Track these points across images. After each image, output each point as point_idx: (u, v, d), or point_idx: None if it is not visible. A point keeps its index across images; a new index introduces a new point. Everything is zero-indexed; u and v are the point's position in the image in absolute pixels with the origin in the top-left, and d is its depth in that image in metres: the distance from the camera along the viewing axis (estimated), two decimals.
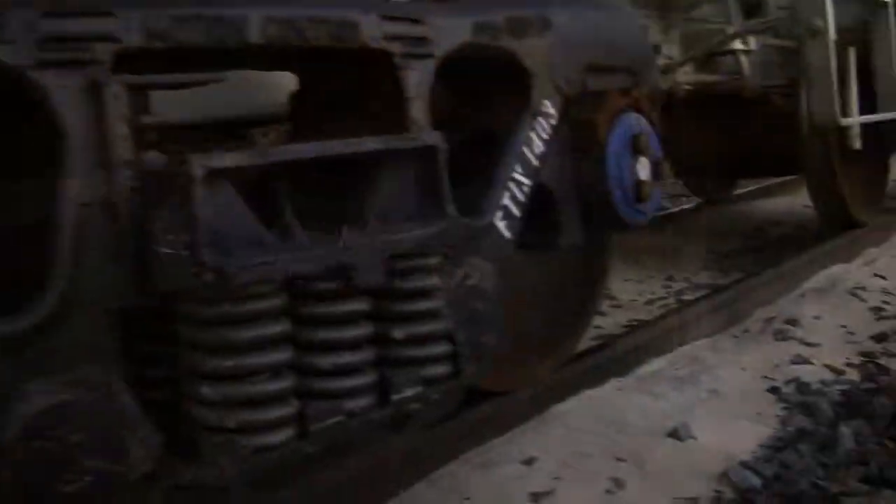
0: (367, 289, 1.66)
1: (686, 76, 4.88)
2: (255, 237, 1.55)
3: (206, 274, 1.44)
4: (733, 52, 5.15)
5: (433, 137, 1.83)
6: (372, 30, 1.84)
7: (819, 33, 2.75)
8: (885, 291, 4.48)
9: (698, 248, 6.21)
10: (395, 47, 1.89)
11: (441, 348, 1.83)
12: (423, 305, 1.78)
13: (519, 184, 2.14)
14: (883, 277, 4.74)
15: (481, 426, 2.77)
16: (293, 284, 1.59)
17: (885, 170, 6.25)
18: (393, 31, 1.88)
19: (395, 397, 1.72)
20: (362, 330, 1.68)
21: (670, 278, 5.42)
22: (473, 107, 2.29)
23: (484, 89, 2.29)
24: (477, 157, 2.18)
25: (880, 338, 3.75)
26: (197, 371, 1.53)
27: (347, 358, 1.65)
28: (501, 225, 2.08)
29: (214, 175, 1.49)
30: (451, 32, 2.02)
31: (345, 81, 1.99)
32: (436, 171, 1.81)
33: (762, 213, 7.90)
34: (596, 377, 3.22)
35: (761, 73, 5.42)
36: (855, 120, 2.90)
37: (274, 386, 1.55)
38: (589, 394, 3.12)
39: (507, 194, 2.11)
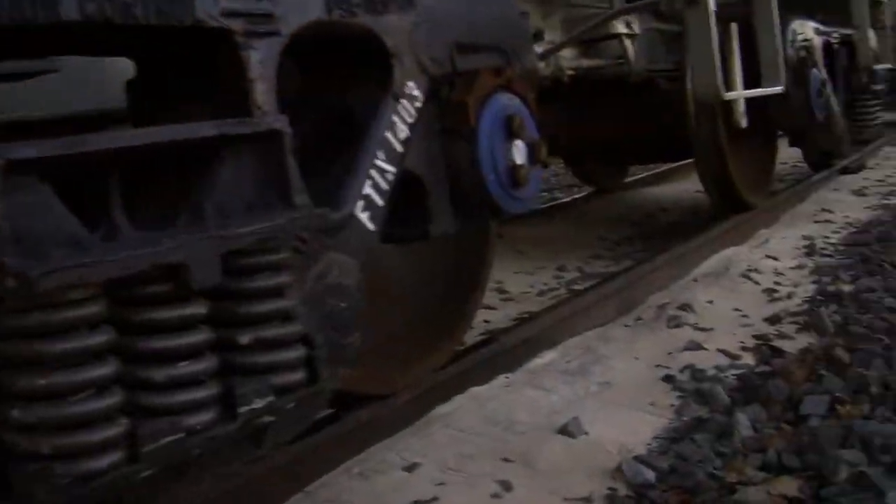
0: (205, 290, 1.48)
1: (570, 62, 4.79)
2: (71, 237, 1.36)
3: (6, 279, 1.25)
4: (618, 36, 5.09)
5: (277, 121, 1.66)
6: (208, 6, 1.66)
7: (698, 3, 2.63)
8: (777, 272, 4.45)
9: (589, 237, 6.18)
10: (236, 25, 1.71)
11: (295, 353, 1.65)
12: (271, 306, 1.60)
13: (382, 171, 1.97)
14: (775, 258, 4.72)
15: (360, 432, 2.61)
16: (117, 288, 1.40)
17: (774, 151, 6.26)
18: (233, 8, 1.70)
19: (242, 410, 1.55)
20: (201, 336, 1.49)
21: (562, 268, 5.33)
22: (331, 90, 2.12)
23: (342, 71, 2.12)
24: (336, 143, 2.02)
25: (774, 320, 3.69)
26: (5, 391, 1.34)
27: (184, 369, 1.46)
28: (363, 216, 1.91)
29: (20, 168, 1.30)
30: (299, 9, 1.85)
31: (184, 66, 1.81)
32: (281, 158, 1.64)
33: (653, 200, 7.91)
34: (483, 373, 3.09)
35: (647, 58, 5.37)
36: (738, 94, 2.81)
37: (97, 404, 1.35)
38: (475, 391, 2.99)
39: (368, 183, 1.94)
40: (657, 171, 9.18)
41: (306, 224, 1.68)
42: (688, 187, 8.34)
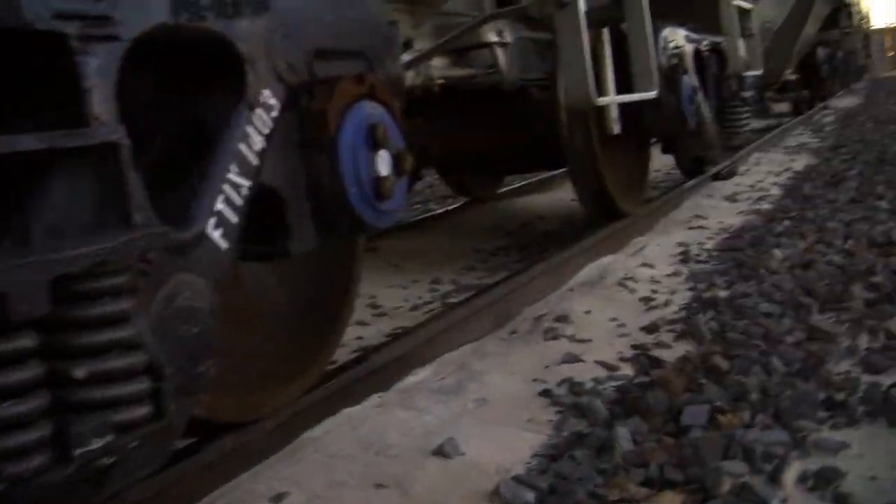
0: (31, 320, 1.34)
1: (441, 71, 4.73)
2: None
3: None
4: (489, 45, 5.05)
5: (115, 133, 1.52)
6: (37, 7, 1.51)
7: (568, 7, 2.56)
8: (654, 280, 4.45)
9: (464, 249, 6.13)
10: (70, 28, 1.57)
11: (138, 386, 1.51)
12: (110, 335, 1.46)
13: (235, 185, 1.85)
14: (651, 266, 4.72)
15: (225, 462, 2.47)
16: None
17: (647, 158, 6.29)
18: (66, 9, 1.56)
19: (78, 452, 1.41)
20: (28, 372, 1.35)
21: (436, 281, 5.26)
22: (183, 99, 1.98)
23: (193, 78, 1.98)
24: (186, 157, 1.89)
25: (651, 328, 3.66)
26: None
27: (7, 410, 1.32)
28: (215, 234, 1.78)
29: None
30: (142, 11, 1.71)
31: (12, 72, 1.66)
32: (120, 173, 1.51)
33: (529, 209, 7.93)
34: (355, 394, 2.97)
35: (519, 67, 5.35)
36: (610, 99, 2.76)
37: None
38: (347, 413, 2.87)
39: (221, 198, 1.81)
40: (532, 180, 9.22)
41: (150, 244, 1.55)
42: (563, 196, 8.38)
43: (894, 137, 10.74)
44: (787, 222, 5.68)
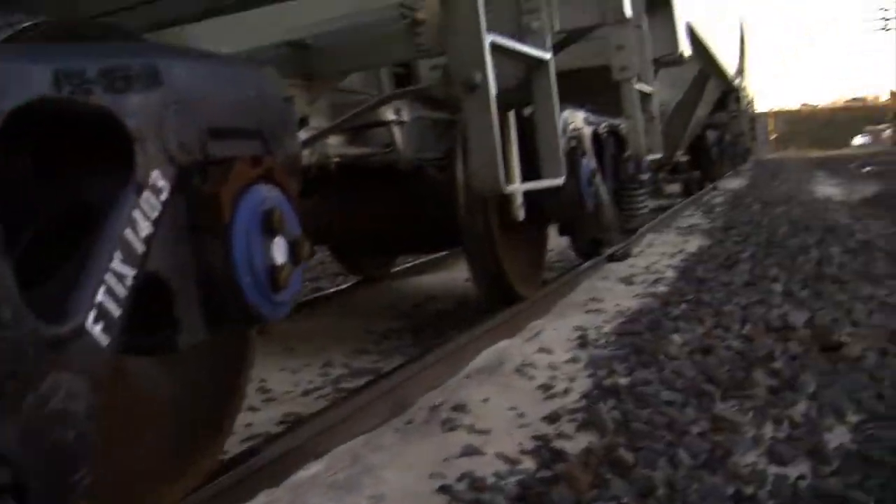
0: None
1: (337, 149, 4.66)
2: None
3: None
4: (386, 123, 5.01)
5: None
6: None
7: (478, 89, 2.50)
8: (552, 367, 4.38)
9: (356, 330, 6.02)
10: None
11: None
12: None
13: (119, 275, 1.71)
14: (548, 351, 4.66)
15: None
16: None
17: (544, 241, 6.28)
18: None
19: None
20: None
21: (328, 364, 5.13)
22: (62, 179, 1.84)
23: (75, 156, 1.84)
24: (66, 243, 1.74)
25: (552, 418, 3.57)
26: None
27: None
28: (96, 328, 1.63)
29: None
30: (19, 83, 1.58)
31: None
32: None
33: (422, 289, 7.85)
34: (243, 491, 2.82)
35: (415, 146, 5.31)
36: (520, 187, 2.70)
37: None
38: None
39: (103, 289, 1.67)
40: (425, 258, 9.15)
41: (16, 344, 1.41)
42: (456, 276, 8.34)
43: (782, 220, 10.99)
44: (683, 306, 5.69)
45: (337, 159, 4.53)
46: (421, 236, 6.25)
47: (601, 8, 4.82)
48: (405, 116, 5.12)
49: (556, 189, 4.09)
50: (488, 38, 2.51)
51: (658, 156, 6.33)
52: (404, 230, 6.13)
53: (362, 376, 4.74)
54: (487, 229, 5.14)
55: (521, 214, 4.33)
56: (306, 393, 4.57)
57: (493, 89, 2.47)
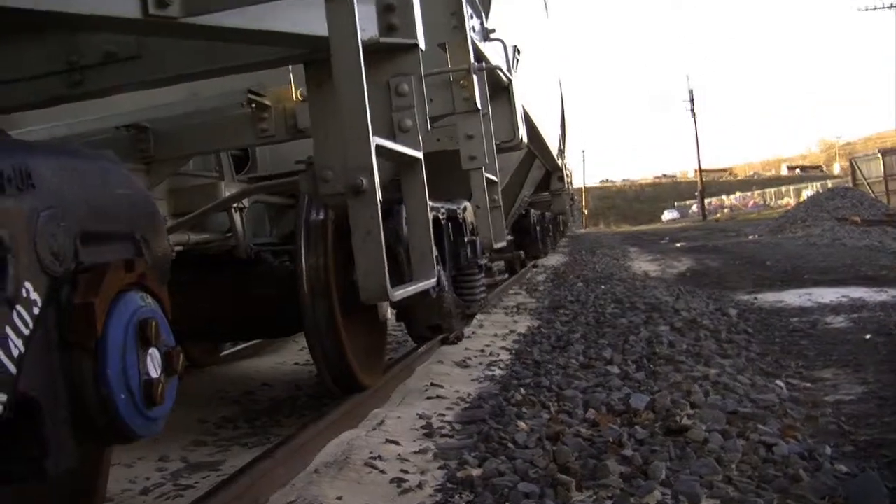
0: None
1: (177, 237, 4.54)
2: None
3: None
4: (227, 209, 4.92)
5: None
6: None
7: (365, 193, 2.46)
8: (402, 458, 4.32)
9: (188, 420, 5.84)
10: None
11: None
12: None
13: None
14: (396, 442, 4.60)
15: None
16: None
17: (384, 328, 6.23)
18: None
19: None
20: None
21: (164, 459, 4.94)
22: None
23: None
24: None
25: None
26: None
27: None
28: None
29: None
30: None
31: None
32: None
33: (252, 375, 7.71)
34: None
35: (252, 230, 5.25)
36: (406, 291, 2.64)
37: None
38: None
39: None
40: (254, 343, 8.98)
41: None
42: (286, 359, 8.24)
43: (607, 298, 11.26)
44: (523, 390, 5.73)
45: (179, 248, 4.42)
46: (258, 322, 6.11)
47: (452, 97, 4.87)
48: (245, 202, 5.05)
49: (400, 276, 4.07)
50: (374, 142, 2.48)
51: (503, 244, 6.40)
52: (241, 316, 5.98)
53: (201, 471, 4.59)
54: (331, 318, 5.08)
55: (388, 314, 4.28)
56: (145, 492, 4.38)
57: (378, 194, 2.44)
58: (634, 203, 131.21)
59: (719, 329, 8.50)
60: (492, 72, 6.13)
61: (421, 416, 5.21)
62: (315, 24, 2.85)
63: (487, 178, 5.74)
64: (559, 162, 19.38)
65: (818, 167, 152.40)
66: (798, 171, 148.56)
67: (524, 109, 8.24)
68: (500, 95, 6.61)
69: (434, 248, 3.00)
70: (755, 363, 6.91)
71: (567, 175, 25.90)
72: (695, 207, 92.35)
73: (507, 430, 4.62)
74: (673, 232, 47.89)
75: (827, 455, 4.13)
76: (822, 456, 4.09)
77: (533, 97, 10.95)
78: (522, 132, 6.81)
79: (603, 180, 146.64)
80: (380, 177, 2.53)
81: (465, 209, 6.40)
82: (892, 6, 42.87)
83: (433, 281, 2.99)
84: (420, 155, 2.98)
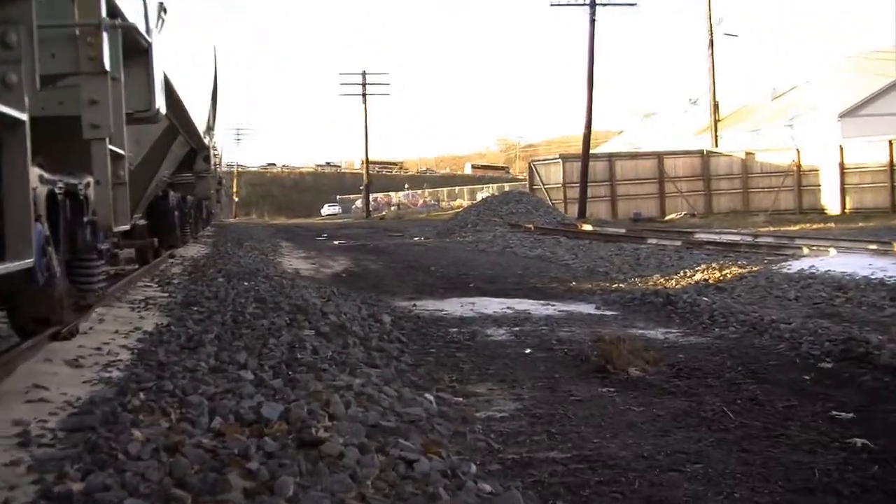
0: None
1: None
2: None
3: None
4: None
5: None
6: None
7: None
8: None
9: None
10: None
11: None
12: None
13: None
14: None
15: None
16: None
17: None
18: None
19: None
20: None
21: None
22: None
23: None
24: None
25: None
26: None
27: None
28: None
29: None
30: None
31: None
32: None
33: None
34: None
35: None
36: None
37: None
38: None
39: None
40: None
41: None
42: None
43: (249, 296, 11.25)
44: (143, 395, 5.65)
45: None
46: None
47: (76, 54, 4.72)
48: None
49: None
50: None
51: (126, 227, 6.26)
52: None
53: None
54: None
55: None
56: None
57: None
58: (293, 193, 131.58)
59: (370, 336, 8.72)
60: (127, 30, 5.98)
61: (17, 423, 5.04)
62: None
63: (112, 151, 5.59)
64: (207, 140, 19.10)
65: (505, 168, 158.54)
66: (486, 171, 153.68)
67: (166, 77, 8.10)
68: (137, 59, 6.45)
69: (41, 225, 2.90)
70: (405, 374, 7.16)
71: (216, 155, 25.61)
72: (359, 203, 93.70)
73: (120, 440, 4.54)
74: (333, 228, 48.53)
75: (471, 473, 4.34)
76: (465, 474, 4.29)
77: (179, 65, 10.78)
78: (161, 103, 6.71)
79: (256, 164, 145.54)
80: None
81: (88, 185, 6.18)
82: (583, 3, 45.02)
83: (30, 262, 2.91)
84: (25, 117, 2.88)
